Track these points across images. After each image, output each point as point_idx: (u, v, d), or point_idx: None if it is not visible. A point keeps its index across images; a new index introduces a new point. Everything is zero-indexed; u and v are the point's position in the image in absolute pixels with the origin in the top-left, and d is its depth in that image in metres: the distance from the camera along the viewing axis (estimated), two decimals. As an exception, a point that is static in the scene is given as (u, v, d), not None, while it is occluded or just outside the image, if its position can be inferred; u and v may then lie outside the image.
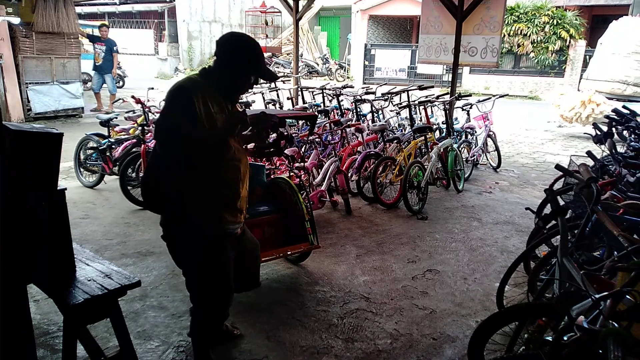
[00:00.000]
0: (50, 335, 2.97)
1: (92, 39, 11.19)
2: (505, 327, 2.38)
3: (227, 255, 2.47)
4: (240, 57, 2.30)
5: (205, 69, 2.38)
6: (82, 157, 6.08)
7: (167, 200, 2.35)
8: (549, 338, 2.07)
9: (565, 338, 1.63)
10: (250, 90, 2.71)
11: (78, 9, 11.55)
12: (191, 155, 2.25)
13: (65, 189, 2.33)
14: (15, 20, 9.42)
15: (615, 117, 5.17)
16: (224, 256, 2.45)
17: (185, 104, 2.17)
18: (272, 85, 8.47)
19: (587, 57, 15.81)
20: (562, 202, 3.48)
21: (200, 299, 2.53)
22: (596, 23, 18.20)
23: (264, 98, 8.41)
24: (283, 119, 2.73)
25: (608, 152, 4.11)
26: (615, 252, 2.22)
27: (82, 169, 6.13)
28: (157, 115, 6.09)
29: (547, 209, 3.91)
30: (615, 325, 1.57)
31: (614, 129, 4.99)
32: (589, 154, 3.93)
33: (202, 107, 2.20)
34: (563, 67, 17.25)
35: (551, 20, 16.84)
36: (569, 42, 16.80)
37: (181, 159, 2.26)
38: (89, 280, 2.32)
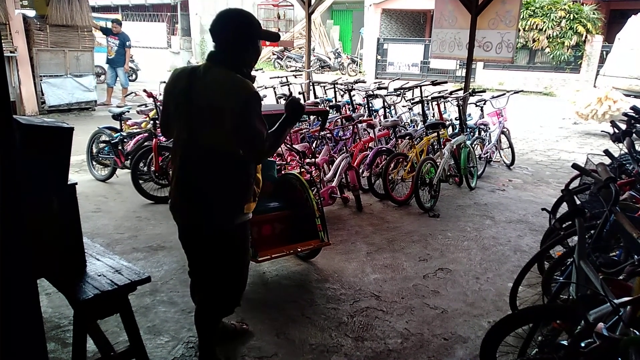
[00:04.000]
0: (61, 328, 2.99)
1: (106, 31, 11.23)
2: (519, 329, 2.35)
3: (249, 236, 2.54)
4: (243, 27, 2.29)
5: (215, 54, 2.29)
6: (94, 150, 6.11)
7: (204, 198, 2.30)
8: (564, 342, 2.03)
9: (582, 345, 1.59)
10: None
11: (91, 2, 11.61)
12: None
13: (76, 183, 2.31)
14: (30, 13, 9.48)
15: (634, 114, 5.05)
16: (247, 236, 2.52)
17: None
18: (284, 79, 8.44)
19: (604, 52, 15.54)
20: (577, 202, 3.41)
21: (228, 283, 2.51)
22: (614, 18, 17.86)
23: (275, 92, 8.37)
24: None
25: (626, 150, 4.01)
26: (636, 256, 2.16)
27: (94, 162, 6.16)
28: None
29: (562, 209, 3.85)
30: (637, 333, 1.52)
31: (633, 127, 4.87)
32: (607, 152, 3.84)
33: None
34: (579, 63, 16.97)
35: (567, 14, 16.56)
36: (586, 37, 16.51)
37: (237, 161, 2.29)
38: (99, 276, 2.32)
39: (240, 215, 2.36)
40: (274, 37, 2.52)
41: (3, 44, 1.51)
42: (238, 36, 2.27)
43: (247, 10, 2.42)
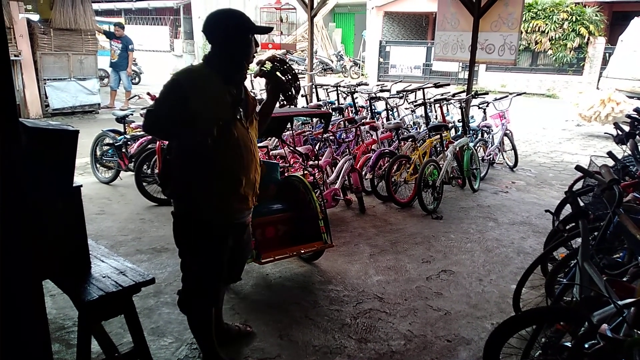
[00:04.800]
0: (65, 330, 3.00)
1: (109, 35, 11.28)
2: (522, 330, 2.34)
3: (227, 245, 2.45)
4: (231, 22, 2.31)
5: (206, 55, 2.38)
6: (98, 153, 6.14)
7: (179, 188, 2.36)
8: (568, 344, 2.03)
9: (586, 346, 1.58)
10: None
11: (95, 6, 11.67)
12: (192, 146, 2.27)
13: (81, 185, 2.33)
14: (34, 17, 9.54)
15: (638, 116, 5.05)
16: (224, 246, 2.44)
17: (179, 101, 2.19)
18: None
19: (607, 54, 15.52)
20: (581, 204, 3.41)
21: (194, 286, 2.52)
22: (616, 19, 17.82)
23: (278, 95, 8.37)
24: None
25: (630, 152, 4.01)
26: (639, 258, 2.16)
27: (98, 165, 6.19)
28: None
29: (566, 210, 3.85)
30: (640, 334, 1.52)
31: (636, 129, 4.87)
32: (610, 154, 3.84)
33: (200, 101, 2.21)
34: (582, 65, 16.94)
35: (570, 16, 16.54)
36: (588, 39, 16.48)
37: (186, 150, 2.29)
38: (104, 277, 2.33)
39: (188, 208, 2.36)
40: (265, 30, 2.57)
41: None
42: (226, 36, 2.30)
43: (235, 9, 2.40)
